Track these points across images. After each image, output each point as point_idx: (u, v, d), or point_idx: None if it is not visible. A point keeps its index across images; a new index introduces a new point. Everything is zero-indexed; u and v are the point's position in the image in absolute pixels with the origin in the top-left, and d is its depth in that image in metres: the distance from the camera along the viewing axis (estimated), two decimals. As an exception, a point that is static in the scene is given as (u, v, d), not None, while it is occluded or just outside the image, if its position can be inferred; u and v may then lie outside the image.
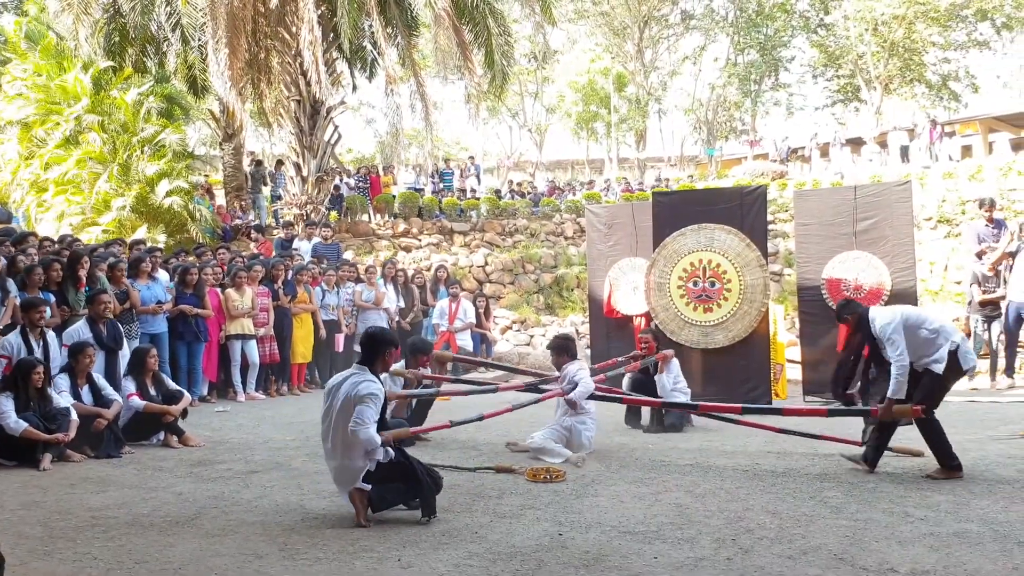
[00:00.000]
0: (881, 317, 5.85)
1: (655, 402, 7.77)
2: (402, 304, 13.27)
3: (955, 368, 5.73)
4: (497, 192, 26.08)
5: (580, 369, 7.10)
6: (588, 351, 12.39)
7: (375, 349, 5.05)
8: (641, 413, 8.29)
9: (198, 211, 15.99)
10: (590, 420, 6.93)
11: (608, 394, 7.57)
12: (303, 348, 11.57)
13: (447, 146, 44.76)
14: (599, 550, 4.18)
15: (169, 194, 15.42)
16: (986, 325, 10.60)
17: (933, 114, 30.26)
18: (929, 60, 35.99)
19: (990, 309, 10.53)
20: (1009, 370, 10.52)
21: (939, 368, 5.66)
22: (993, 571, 3.77)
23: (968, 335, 11.22)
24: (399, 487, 4.82)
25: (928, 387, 5.72)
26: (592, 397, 6.95)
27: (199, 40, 16.30)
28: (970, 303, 10.89)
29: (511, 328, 16.35)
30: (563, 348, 7.23)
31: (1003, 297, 10.44)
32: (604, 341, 11.47)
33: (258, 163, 21.41)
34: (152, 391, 7.58)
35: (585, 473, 6.01)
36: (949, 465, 5.68)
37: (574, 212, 22.20)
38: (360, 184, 22.19)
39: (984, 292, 10.56)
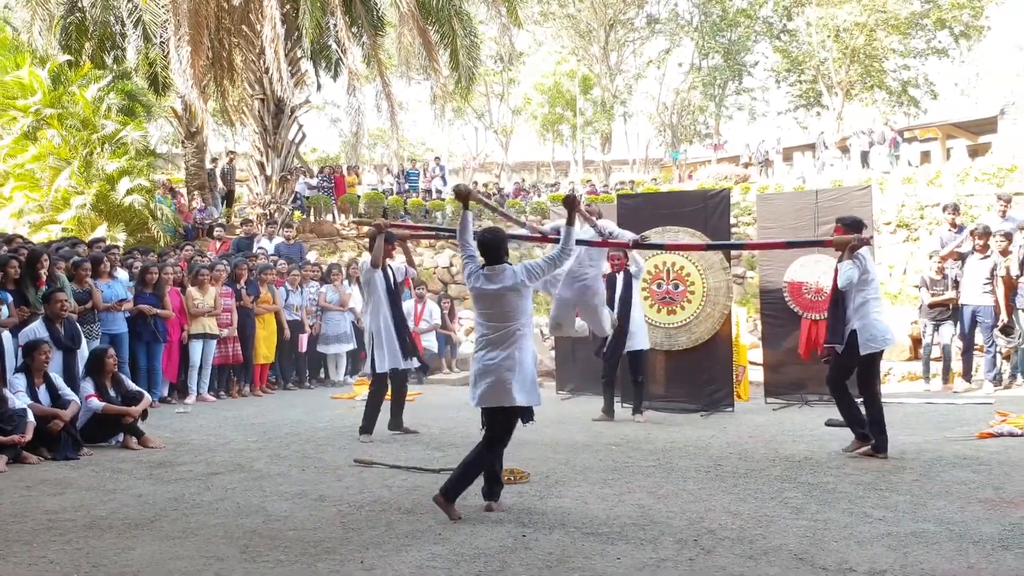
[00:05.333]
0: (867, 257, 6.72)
1: (624, 243, 7.67)
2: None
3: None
4: (462, 193, 26.01)
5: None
6: (552, 352, 12.42)
7: (500, 247, 5.14)
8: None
9: (159, 210, 15.79)
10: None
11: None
12: (266, 349, 11.48)
13: (412, 146, 44.60)
14: (562, 551, 4.20)
15: (130, 192, 15.18)
16: (935, 328, 10.80)
17: (892, 120, 30.65)
18: (889, 67, 36.55)
19: (938, 312, 10.73)
20: (967, 374, 10.69)
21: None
22: (949, 570, 3.83)
23: (919, 340, 11.43)
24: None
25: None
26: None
27: (161, 36, 16.09)
28: (920, 308, 11.10)
29: (476, 329, 16.34)
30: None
31: (953, 300, 10.65)
32: (568, 342, 11.48)
33: (215, 159, 21.23)
34: (111, 392, 7.46)
35: (549, 475, 6.02)
36: (860, 434, 6.56)
37: (539, 214, 22.24)
38: (324, 184, 22.05)
39: (933, 295, 10.76)
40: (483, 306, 5.09)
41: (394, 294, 7.86)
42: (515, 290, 5.00)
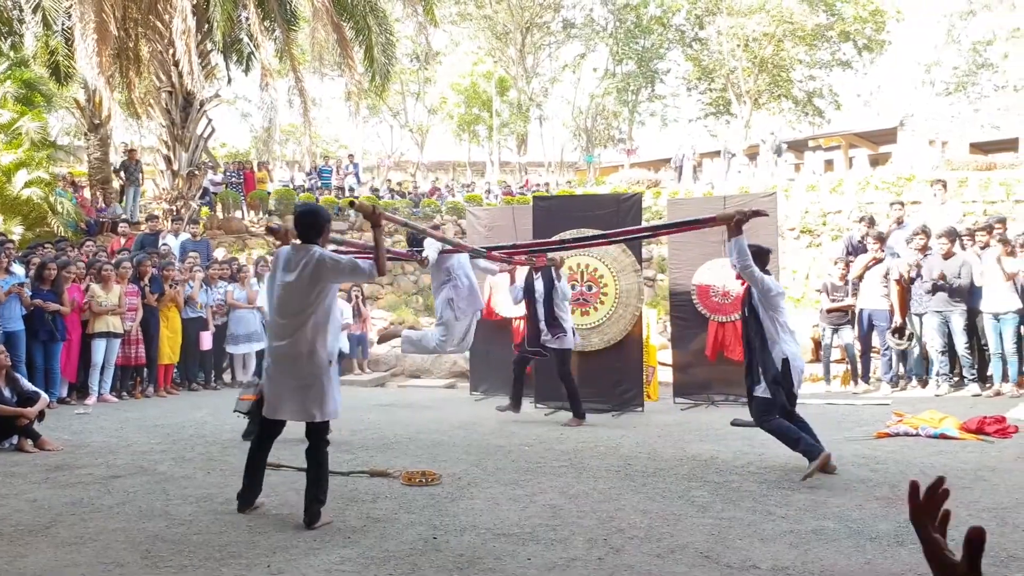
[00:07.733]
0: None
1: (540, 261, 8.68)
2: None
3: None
4: (376, 191, 25.82)
5: None
6: (467, 353, 12.39)
7: (314, 225, 4.99)
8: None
9: (60, 203, 15.21)
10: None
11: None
12: (169, 349, 11.18)
13: (326, 143, 44.03)
14: (473, 552, 4.19)
15: (28, 185, 14.60)
16: (834, 332, 11.16)
17: (797, 128, 31.61)
18: (796, 77, 37.74)
19: (837, 317, 11.10)
20: (865, 376, 11.08)
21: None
22: (848, 566, 3.95)
23: (819, 344, 11.81)
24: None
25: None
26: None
27: (63, 24, 15.51)
28: (820, 312, 11.48)
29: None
30: None
31: (851, 306, 11.02)
32: (483, 343, 11.48)
33: (131, 152, 20.54)
34: (6, 392, 7.16)
35: (460, 476, 6.01)
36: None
37: (455, 213, 22.19)
38: (234, 180, 21.56)
39: (833, 300, 11.13)
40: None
41: None
42: None
